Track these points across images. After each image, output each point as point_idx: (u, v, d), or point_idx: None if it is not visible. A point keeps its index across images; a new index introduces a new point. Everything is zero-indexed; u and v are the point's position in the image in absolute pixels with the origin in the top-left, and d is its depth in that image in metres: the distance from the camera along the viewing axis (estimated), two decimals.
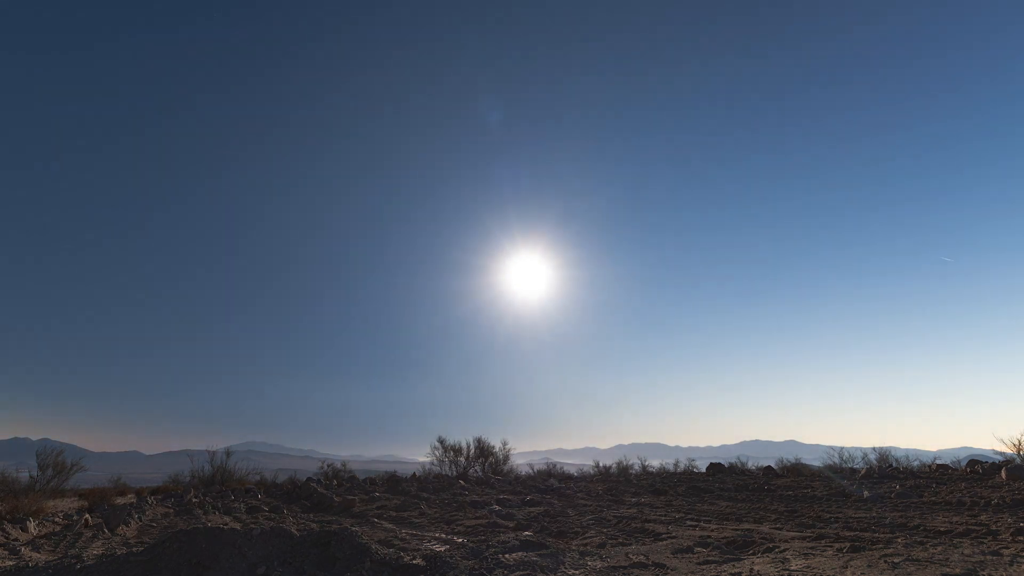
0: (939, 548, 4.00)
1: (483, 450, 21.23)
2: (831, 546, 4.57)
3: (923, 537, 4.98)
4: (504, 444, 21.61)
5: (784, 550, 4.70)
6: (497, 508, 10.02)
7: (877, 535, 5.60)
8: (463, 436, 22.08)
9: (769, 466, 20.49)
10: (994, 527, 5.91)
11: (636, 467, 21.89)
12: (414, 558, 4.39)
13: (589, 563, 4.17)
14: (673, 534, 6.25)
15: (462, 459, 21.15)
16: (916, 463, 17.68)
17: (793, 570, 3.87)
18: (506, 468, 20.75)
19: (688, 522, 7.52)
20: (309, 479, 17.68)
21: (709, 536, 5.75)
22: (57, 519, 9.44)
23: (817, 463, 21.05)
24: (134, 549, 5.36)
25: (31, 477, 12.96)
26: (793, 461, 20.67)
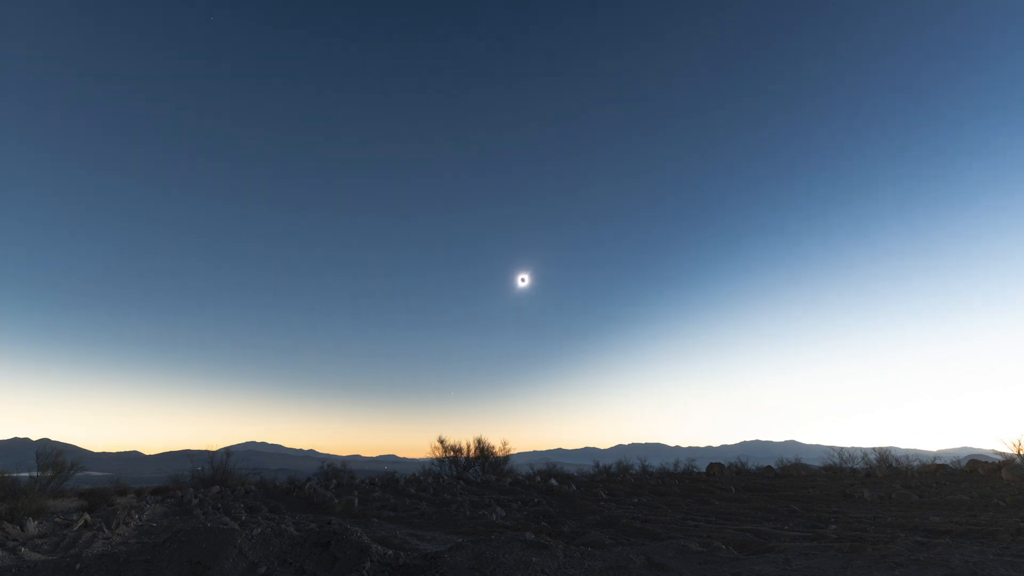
0: (940, 548, 4.00)
1: (483, 450, 21.24)
2: (831, 546, 4.57)
3: (924, 537, 4.98)
4: (504, 444, 21.66)
5: (784, 550, 4.70)
6: (497, 508, 10.01)
7: (877, 535, 5.60)
8: (463, 436, 22.13)
9: (769, 466, 20.51)
10: (994, 527, 5.91)
11: (636, 467, 21.92)
12: (414, 558, 4.38)
13: (589, 563, 4.16)
14: (673, 534, 6.25)
15: (462, 459, 21.17)
16: (916, 463, 17.71)
17: (794, 570, 3.87)
18: (506, 468, 20.76)
19: (689, 522, 7.51)
20: (309, 479, 17.67)
21: (710, 536, 5.74)
22: (57, 519, 9.44)
23: (817, 463, 21.10)
24: (134, 549, 5.36)
25: (31, 477, 12.96)
26: (793, 461, 20.72)
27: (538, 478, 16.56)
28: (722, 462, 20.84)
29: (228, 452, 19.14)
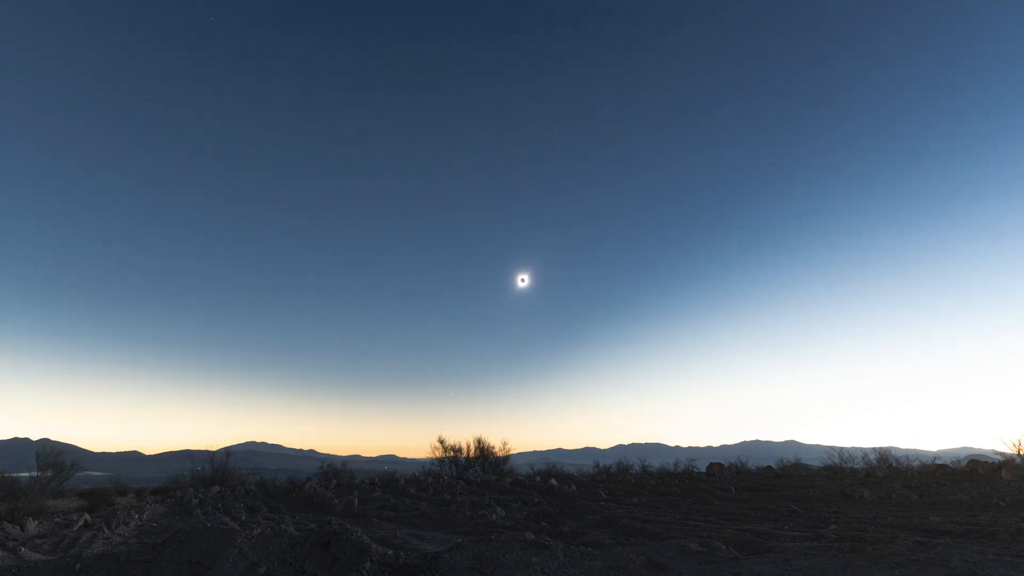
0: (940, 548, 4.00)
1: (483, 450, 21.25)
2: (831, 546, 4.57)
3: (924, 537, 4.98)
4: (504, 444, 21.66)
5: (784, 550, 4.70)
6: (497, 508, 10.01)
7: (877, 535, 5.60)
8: (463, 436, 22.14)
9: (769, 466, 20.51)
10: (994, 527, 5.91)
11: (636, 467, 21.93)
12: (414, 558, 4.38)
13: (589, 563, 4.16)
14: (673, 534, 6.25)
15: (462, 459, 21.17)
16: (916, 463, 17.72)
17: (794, 570, 3.87)
18: (506, 468, 20.77)
19: (689, 522, 7.51)
20: (309, 479, 17.68)
21: (710, 536, 5.74)
22: (57, 519, 9.44)
23: (817, 463, 21.12)
24: (134, 549, 5.36)
25: (31, 477, 12.96)
26: (793, 461, 20.73)
27: (538, 478, 16.56)
28: (722, 462, 20.84)
29: (228, 452, 19.15)
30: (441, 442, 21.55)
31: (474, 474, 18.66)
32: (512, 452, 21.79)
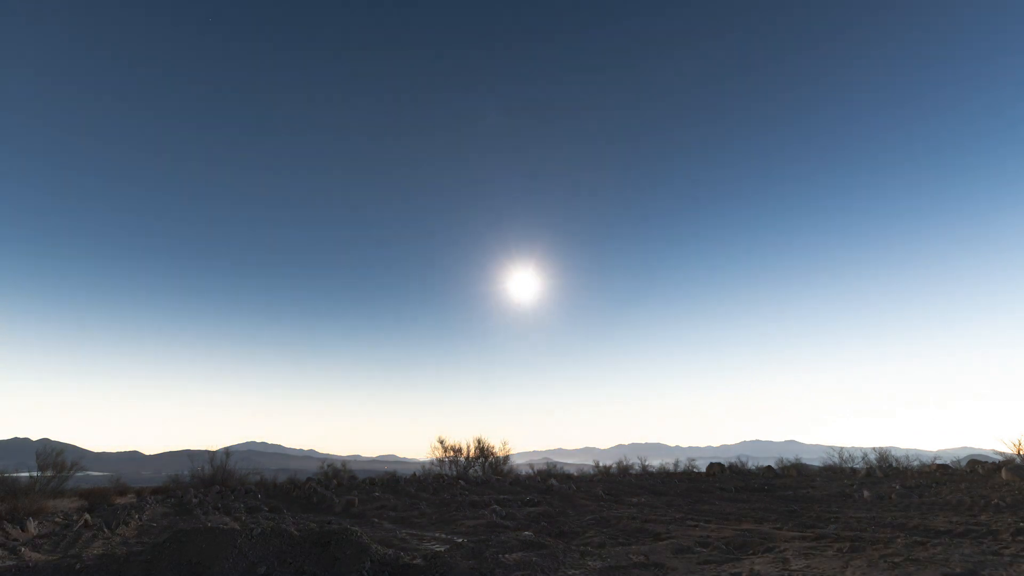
0: (939, 548, 4.00)
1: (483, 450, 21.22)
2: (831, 546, 4.57)
3: (923, 537, 4.98)
4: (504, 444, 21.63)
5: (784, 550, 4.70)
6: (497, 508, 10.01)
7: (877, 535, 5.59)
8: (463, 436, 22.12)
9: (769, 466, 20.51)
10: (994, 527, 5.91)
11: (636, 467, 21.92)
12: (414, 558, 4.38)
13: (589, 563, 4.16)
14: (673, 534, 6.25)
15: (462, 459, 21.16)
16: (916, 463, 17.71)
17: (793, 570, 3.87)
18: (506, 468, 20.75)
19: (688, 522, 7.51)
20: (309, 479, 17.68)
21: (709, 536, 5.75)
22: (57, 519, 9.44)
23: (817, 463, 21.11)
24: (134, 549, 5.36)
25: (31, 477, 12.96)
26: (793, 461, 20.73)
27: (538, 478, 16.56)
28: (722, 462, 20.83)
29: (228, 452, 19.14)
30: (441, 442, 21.52)
31: (474, 474, 18.66)
32: (512, 452, 21.76)
